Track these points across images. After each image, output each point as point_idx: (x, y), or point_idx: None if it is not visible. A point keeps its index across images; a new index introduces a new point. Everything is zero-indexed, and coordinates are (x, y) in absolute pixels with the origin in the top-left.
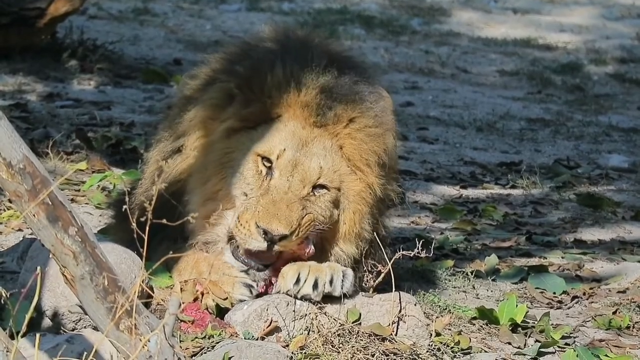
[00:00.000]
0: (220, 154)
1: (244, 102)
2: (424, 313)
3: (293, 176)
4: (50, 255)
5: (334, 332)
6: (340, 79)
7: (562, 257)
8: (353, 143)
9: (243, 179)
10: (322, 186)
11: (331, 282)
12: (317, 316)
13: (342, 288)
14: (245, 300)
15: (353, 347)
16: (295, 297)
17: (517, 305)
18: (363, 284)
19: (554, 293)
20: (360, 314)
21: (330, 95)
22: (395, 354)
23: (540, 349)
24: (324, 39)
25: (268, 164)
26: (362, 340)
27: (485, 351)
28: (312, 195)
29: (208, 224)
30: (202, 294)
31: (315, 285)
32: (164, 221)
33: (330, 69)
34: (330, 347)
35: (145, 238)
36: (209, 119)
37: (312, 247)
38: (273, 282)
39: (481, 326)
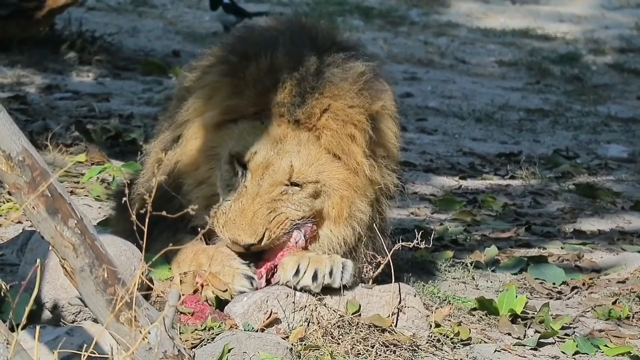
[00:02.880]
0: (207, 146)
1: (229, 93)
2: (424, 304)
3: (263, 179)
4: (50, 248)
5: (334, 324)
6: (318, 64)
7: (562, 248)
8: (328, 133)
9: (222, 179)
10: (296, 184)
11: (331, 273)
12: (316, 308)
13: (341, 279)
14: (245, 292)
15: (353, 338)
16: (295, 289)
17: (516, 296)
18: (362, 275)
19: (554, 284)
20: (359, 306)
21: (303, 89)
22: (395, 345)
23: (540, 340)
24: (327, 26)
25: (242, 164)
26: (361, 331)
27: (485, 342)
28: (284, 194)
29: (206, 207)
30: (202, 285)
31: (314, 277)
32: (164, 213)
33: (315, 55)
34: (330, 338)
35: (145, 230)
36: (203, 108)
37: (302, 238)
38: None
39: (481, 317)
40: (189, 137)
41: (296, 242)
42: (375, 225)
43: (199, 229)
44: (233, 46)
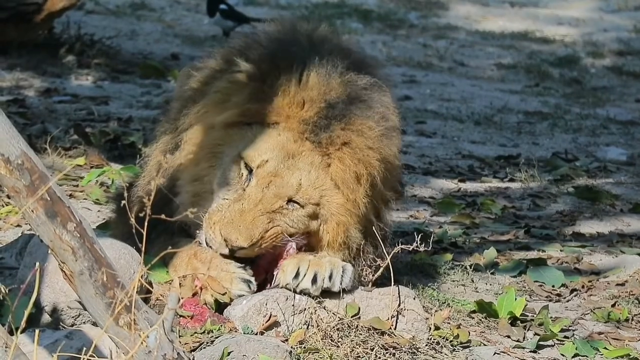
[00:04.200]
0: (213, 143)
1: (249, 95)
2: (423, 307)
3: (269, 188)
4: (49, 251)
5: (333, 327)
6: (348, 92)
7: (561, 250)
8: (340, 167)
9: (224, 178)
10: (297, 203)
11: (330, 277)
12: (316, 310)
13: (341, 283)
14: (244, 295)
15: (352, 341)
16: (295, 291)
17: (516, 299)
18: (362, 278)
19: (553, 286)
20: (359, 308)
21: (332, 114)
22: (394, 347)
23: (539, 342)
24: (331, 32)
25: (249, 169)
26: (361, 334)
27: (485, 344)
28: (284, 208)
29: (192, 203)
30: (201, 289)
31: (314, 280)
32: (163, 216)
33: (345, 75)
34: (330, 341)
35: (144, 233)
36: (213, 109)
37: (294, 248)
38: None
39: (480, 320)
40: (192, 136)
41: (287, 252)
42: (375, 230)
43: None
44: (248, 51)
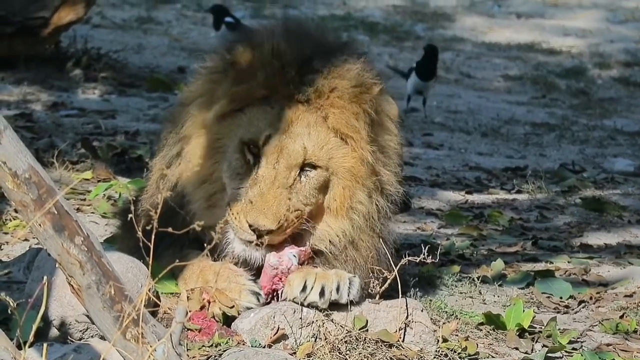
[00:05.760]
0: (211, 139)
1: (233, 80)
2: (431, 319)
3: (279, 162)
4: (57, 265)
5: (341, 339)
6: (321, 48)
7: (569, 262)
8: (335, 112)
9: (232, 168)
10: (310, 165)
11: (338, 289)
12: (324, 323)
13: (348, 295)
14: (252, 308)
15: (360, 354)
16: (302, 305)
17: (524, 311)
18: (369, 291)
19: (561, 298)
20: (367, 321)
21: (311, 69)
22: None
23: (548, 354)
24: (320, 27)
25: (255, 150)
26: (369, 347)
27: (493, 357)
28: (298, 181)
29: (208, 207)
30: (209, 302)
31: (322, 293)
32: (170, 229)
33: (316, 38)
34: (338, 354)
35: (151, 246)
36: (203, 110)
37: (295, 264)
38: (278, 290)
39: (488, 331)
40: (190, 138)
41: (288, 268)
42: (382, 239)
43: (205, 245)
44: (227, 47)
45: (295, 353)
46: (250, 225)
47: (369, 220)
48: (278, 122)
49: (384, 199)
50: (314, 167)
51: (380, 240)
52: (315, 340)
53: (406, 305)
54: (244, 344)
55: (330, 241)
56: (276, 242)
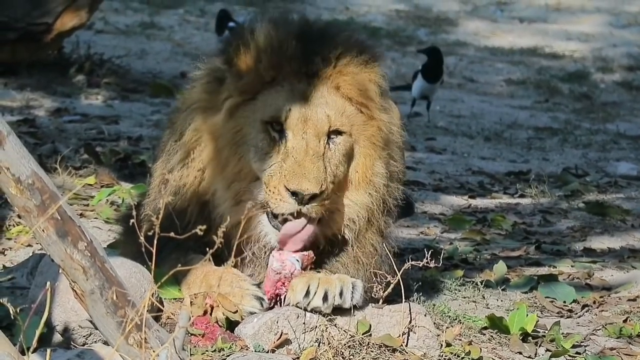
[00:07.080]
0: (230, 135)
1: (236, 75)
2: (434, 323)
3: (306, 132)
4: (60, 270)
5: (345, 344)
6: (316, 25)
7: (572, 266)
8: (346, 79)
9: (259, 150)
10: (337, 132)
11: (341, 294)
12: (327, 328)
13: (352, 300)
14: (255, 313)
15: (364, 358)
16: (305, 310)
17: (527, 315)
18: (373, 295)
19: (564, 302)
20: (370, 325)
21: (312, 42)
22: None
23: (551, 358)
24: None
25: (278, 127)
26: (372, 351)
27: None
28: (328, 149)
29: (236, 203)
30: (212, 307)
31: (325, 298)
32: (172, 234)
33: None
34: (341, 358)
35: (154, 251)
36: (208, 112)
37: (298, 268)
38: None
39: (491, 336)
40: (203, 150)
41: (291, 273)
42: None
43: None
44: (220, 49)
45: (298, 358)
46: (292, 193)
47: (384, 196)
48: (294, 97)
49: (394, 183)
50: (340, 132)
51: (385, 247)
52: (319, 345)
53: (409, 310)
54: (247, 349)
55: (354, 221)
56: (314, 214)
